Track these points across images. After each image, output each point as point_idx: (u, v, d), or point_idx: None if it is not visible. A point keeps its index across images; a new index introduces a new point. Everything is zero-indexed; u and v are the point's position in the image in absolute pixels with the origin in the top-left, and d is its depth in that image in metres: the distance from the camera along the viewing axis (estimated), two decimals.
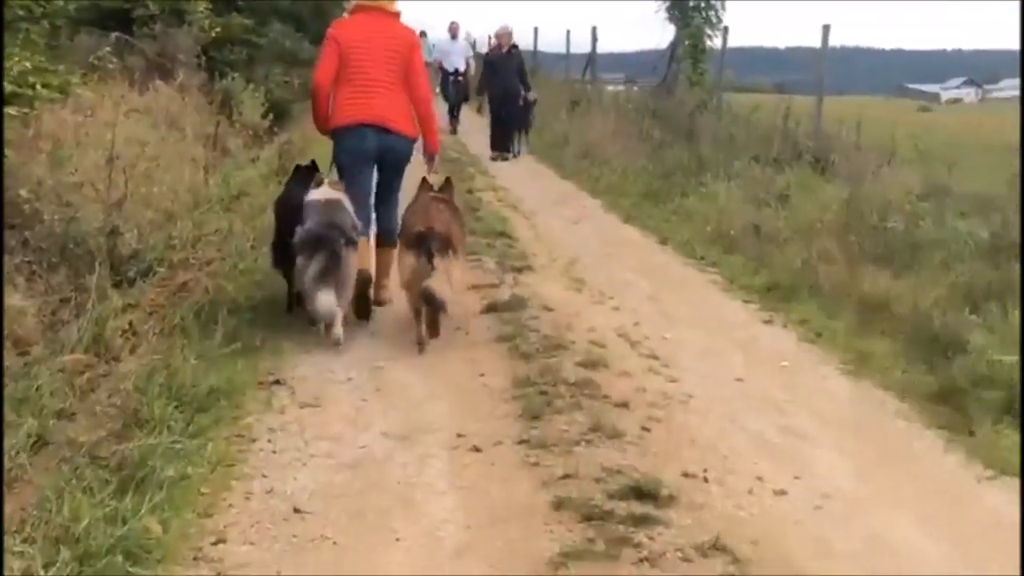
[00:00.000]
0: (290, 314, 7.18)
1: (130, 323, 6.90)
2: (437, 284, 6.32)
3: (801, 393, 5.82)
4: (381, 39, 6.93)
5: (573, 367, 5.98)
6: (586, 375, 5.83)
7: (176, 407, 5.18)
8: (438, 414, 5.37)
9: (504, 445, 4.91)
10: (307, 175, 7.40)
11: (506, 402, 5.47)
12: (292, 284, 7.03)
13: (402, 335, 6.79)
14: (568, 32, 27.18)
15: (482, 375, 5.95)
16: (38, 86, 9.70)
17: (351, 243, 6.55)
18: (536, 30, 30.41)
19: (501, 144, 16.82)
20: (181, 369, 5.58)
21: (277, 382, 5.81)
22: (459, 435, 5.03)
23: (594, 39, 24.62)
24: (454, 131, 20.18)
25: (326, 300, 6.34)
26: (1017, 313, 6.59)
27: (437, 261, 6.34)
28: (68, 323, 6.54)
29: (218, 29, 18.94)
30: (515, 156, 16.86)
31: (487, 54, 18.24)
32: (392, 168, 7.15)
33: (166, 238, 9.57)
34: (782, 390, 5.85)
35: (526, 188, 13.16)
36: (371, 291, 7.17)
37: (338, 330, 6.50)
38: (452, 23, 21.28)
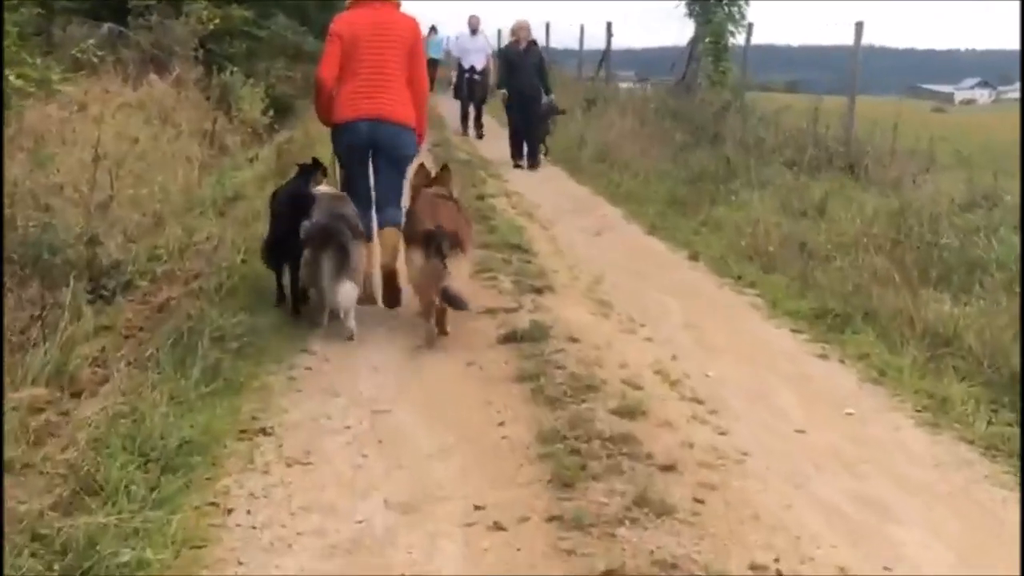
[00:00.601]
0: (279, 307, 7.03)
1: (102, 348, 6.16)
2: (456, 284, 6.20)
3: (874, 450, 4.98)
4: (382, 30, 6.90)
5: (607, 415, 5.13)
6: (623, 427, 4.98)
7: (140, 466, 4.36)
8: (450, 476, 4.52)
9: (531, 522, 4.05)
10: (308, 172, 7.37)
11: (531, 462, 4.62)
12: (281, 278, 7.08)
13: (408, 369, 5.98)
14: (582, 28, 26.34)
15: (501, 424, 5.10)
16: (12, 78, 8.91)
17: (358, 236, 6.55)
18: (548, 25, 29.56)
19: (521, 150, 15.20)
20: (149, 415, 4.76)
21: (262, 431, 4.97)
22: (476, 506, 4.18)
23: (609, 35, 23.80)
24: (465, 133, 18.94)
25: (348, 290, 6.36)
26: None
27: (449, 261, 6.20)
28: (36, 345, 5.80)
29: (217, 21, 18.18)
30: (534, 164, 15.15)
31: (503, 50, 16.28)
32: (390, 160, 7.05)
33: (151, 247, 8.84)
34: (851, 445, 5.01)
35: (541, 194, 12.32)
36: (397, 281, 6.94)
37: (351, 323, 6.50)
38: (472, 17, 19.25)
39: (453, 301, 6.19)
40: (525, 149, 15.20)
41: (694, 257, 9.04)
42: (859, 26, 14.69)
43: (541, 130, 15.33)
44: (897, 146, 14.05)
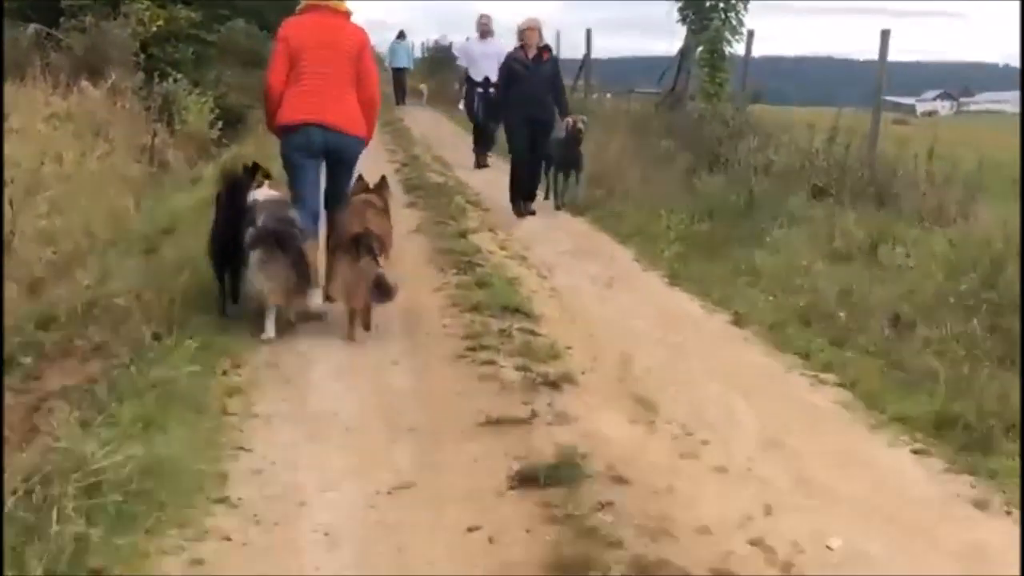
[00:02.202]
0: (225, 317, 6.57)
1: None
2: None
3: None
4: (331, 39, 6.79)
5: None
6: None
7: None
8: None
9: None
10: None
11: None
12: (223, 281, 6.72)
13: (377, 541, 3.84)
14: (558, 34, 24.13)
15: None
16: None
17: (307, 238, 6.47)
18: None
19: (527, 191, 11.30)
20: None
21: None
22: None
23: (588, 43, 21.75)
24: (480, 164, 15.21)
25: (317, 297, 6.47)
26: None
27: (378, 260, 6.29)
28: None
29: (160, 23, 16.11)
30: (559, 207, 11.53)
31: (506, 59, 11.49)
32: (339, 165, 7.00)
33: (47, 307, 6.80)
34: None
35: (533, 229, 10.23)
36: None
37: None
38: (483, 17, 15.45)
39: (385, 291, 6.28)
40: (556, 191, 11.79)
41: (738, 321, 6.99)
42: (885, 34, 12.79)
43: (566, 163, 11.55)
44: (922, 168, 12.17)
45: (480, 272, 7.96)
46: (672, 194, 11.17)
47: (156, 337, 5.86)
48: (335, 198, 7.01)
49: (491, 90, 14.06)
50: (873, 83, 13.98)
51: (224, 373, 5.59)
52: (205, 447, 4.55)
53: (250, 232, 6.19)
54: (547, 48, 11.23)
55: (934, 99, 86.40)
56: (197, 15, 16.79)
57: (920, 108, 78.65)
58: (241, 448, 4.62)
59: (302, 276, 6.22)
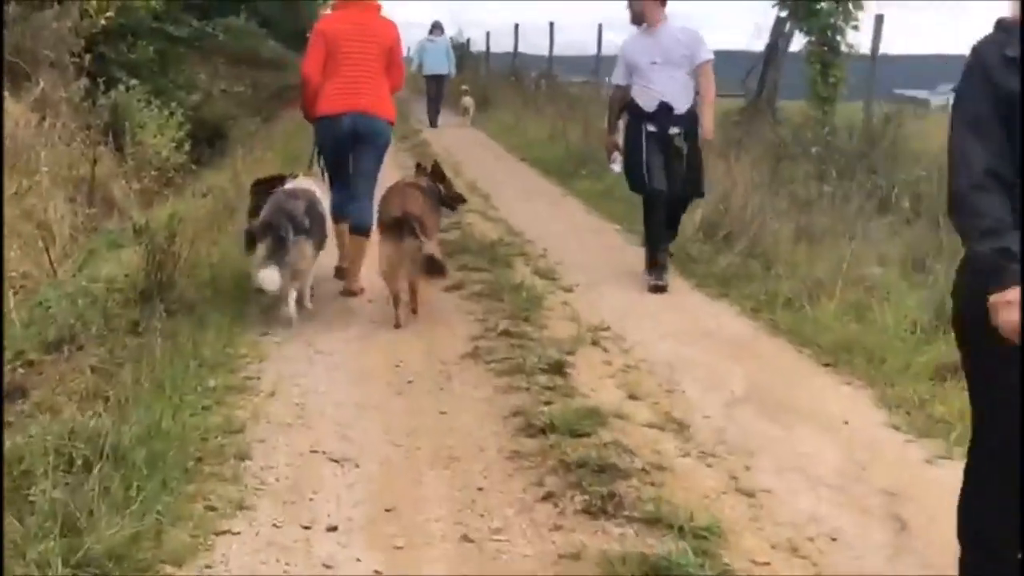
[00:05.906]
0: None
1: None
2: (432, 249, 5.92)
3: None
4: (365, 32, 6.75)
5: None
6: None
7: None
8: None
9: None
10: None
11: None
12: None
13: None
14: (551, 25, 19.98)
15: None
16: None
17: (301, 230, 6.09)
18: (517, 27, 23.36)
19: None
20: None
21: None
22: None
23: (600, 38, 17.52)
24: (657, 284, 6.94)
25: (269, 275, 5.96)
26: None
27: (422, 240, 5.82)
28: None
29: (110, 14, 11.72)
30: None
31: (977, 54, 2.62)
32: (368, 148, 6.75)
33: None
34: None
35: (656, 331, 5.76)
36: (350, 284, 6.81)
37: (289, 310, 6.12)
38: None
39: (434, 267, 5.86)
40: None
41: None
42: None
43: None
44: None
45: (632, 505, 3.55)
46: (860, 262, 6.72)
47: None
48: (360, 189, 6.76)
49: (673, 129, 7.03)
50: (882, 77, 11.02)
51: None
52: None
53: (252, 224, 6.26)
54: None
55: (947, 92, 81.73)
56: (159, 4, 12.39)
57: (934, 102, 74.47)
58: None
59: (271, 259, 5.88)
